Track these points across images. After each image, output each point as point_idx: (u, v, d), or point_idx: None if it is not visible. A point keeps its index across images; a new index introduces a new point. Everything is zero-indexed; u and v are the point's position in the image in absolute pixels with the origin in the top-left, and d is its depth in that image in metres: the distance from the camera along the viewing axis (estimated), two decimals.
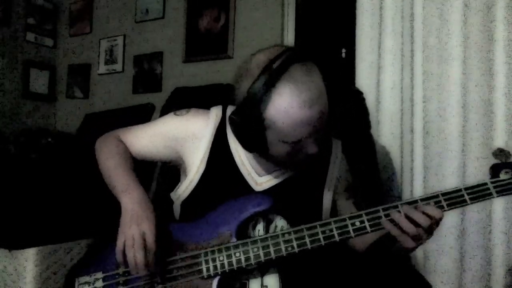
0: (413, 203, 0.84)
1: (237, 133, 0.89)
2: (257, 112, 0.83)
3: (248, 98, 0.82)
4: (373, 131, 1.54)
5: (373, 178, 1.44)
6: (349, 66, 1.89)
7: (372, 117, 1.57)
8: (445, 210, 0.83)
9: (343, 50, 2.18)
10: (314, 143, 0.88)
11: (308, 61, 0.85)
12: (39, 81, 3.08)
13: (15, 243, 1.39)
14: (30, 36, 3.02)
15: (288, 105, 0.81)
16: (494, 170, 0.85)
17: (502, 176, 0.84)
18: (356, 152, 1.15)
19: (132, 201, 0.89)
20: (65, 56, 3.18)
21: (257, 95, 0.81)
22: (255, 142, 0.87)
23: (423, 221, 0.80)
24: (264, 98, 0.81)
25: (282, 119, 0.82)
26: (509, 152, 0.85)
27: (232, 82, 0.91)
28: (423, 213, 0.81)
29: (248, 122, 0.84)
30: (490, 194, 0.84)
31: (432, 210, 0.81)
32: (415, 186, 1.60)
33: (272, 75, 0.81)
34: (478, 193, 0.84)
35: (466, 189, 0.84)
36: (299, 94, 0.81)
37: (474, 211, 1.53)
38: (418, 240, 0.82)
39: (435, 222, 0.82)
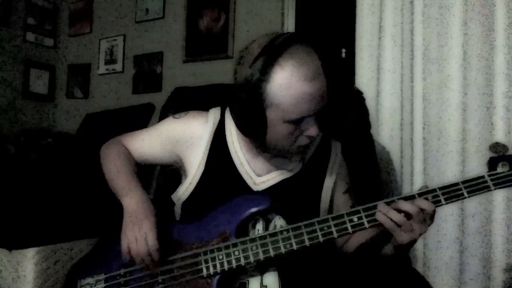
0: (410, 198, 0.85)
1: (236, 116, 0.89)
2: (258, 90, 0.83)
3: (250, 75, 0.83)
4: (373, 131, 1.54)
5: (373, 178, 1.44)
6: (349, 66, 1.89)
7: (372, 117, 1.57)
8: (443, 204, 0.84)
9: (343, 50, 2.17)
10: (315, 124, 0.88)
11: (308, 44, 0.86)
12: (39, 81, 3.08)
13: (15, 243, 1.39)
14: (30, 36, 3.02)
15: (291, 79, 0.82)
16: (491, 163, 0.85)
17: (499, 169, 0.84)
18: (356, 152, 1.15)
19: (133, 202, 0.90)
20: (65, 56, 3.18)
21: (259, 71, 0.82)
22: (255, 123, 0.86)
23: (412, 210, 0.81)
24: (265, 74, 0.82)
25: (284, 95, 0.82)
26: (505, 146, 0.85)
27: (234, 66, 0.90)
28: (412, 204, 0.82)
29: (249, 102, 0.84)
30: (488, 187, 0.84)
31: (422, 203, 0.82)
32: (415, 186, 1.60)
33: (274, 51, 0.82)
34: (476, 186, 0.84)
35: (463, 182, 0.84)
36: (301, 67, 0.82)
37: (474, 210, 1.53)
38: (411, 232, 0.82)
39: (429, 216, 0.83)
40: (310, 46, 0.86)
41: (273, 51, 0.83)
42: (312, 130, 0.88)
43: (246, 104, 0.84)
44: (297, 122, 0.86)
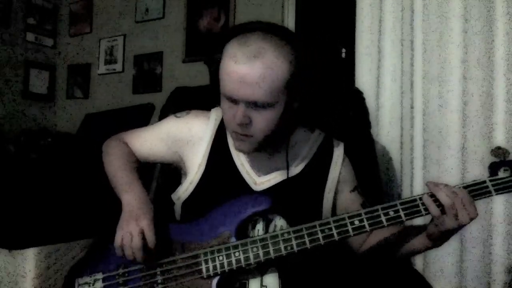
0: (412, 201, 0.85)
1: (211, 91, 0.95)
2: (217, 63, 0.89)
3: (214, 51, 0.91)
4: (373, 131, 1.54)
5: (373, 178, 1.44)
6: (349, 66, 1.89)
7: (372, 117, 1.57)
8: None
9: (343, 50, 2.17)
10: (244, 112, 0.85)
11: (280, 35, 0.87)
12: (39, 81, 3.08)
13: (15, 243, 1.39)
14: (30, 36, 3.02)
15: (225, 56, 0.86)
16: (493, 168, 0.85)
17: (501, 174, 0.84)
18: (356, 152, 1.15)
19: (131, 198, 0.91)
20: (65, 56, 3.18)
21: (219, 46, 0.89)
22: (216, 96, 0.92)
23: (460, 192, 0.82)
24: (221, 48, 0.88)
25: (222, 68, 0.87)
26: (507, 151, 0.85)
27: None
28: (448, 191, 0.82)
29: (211, 75, 0.93)
30: (489, 192, 0.84)
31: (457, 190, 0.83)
32: (415, 186, 1.60)
33: (236, 31, 0.89)
34: (477, 191, 0.84)
35: (465, 187, 0.84)
36: (239, 48, 0.84)
37: None
38: (455, 217, 0.82)
39: (468, 202, 0.83)
40: (278, 36, 0.86)
41: (235, 30, 0.89)
42: (238, 116, 0.86)
43: (211, 77, 0.92)
44: (232, 101, 0.87)
